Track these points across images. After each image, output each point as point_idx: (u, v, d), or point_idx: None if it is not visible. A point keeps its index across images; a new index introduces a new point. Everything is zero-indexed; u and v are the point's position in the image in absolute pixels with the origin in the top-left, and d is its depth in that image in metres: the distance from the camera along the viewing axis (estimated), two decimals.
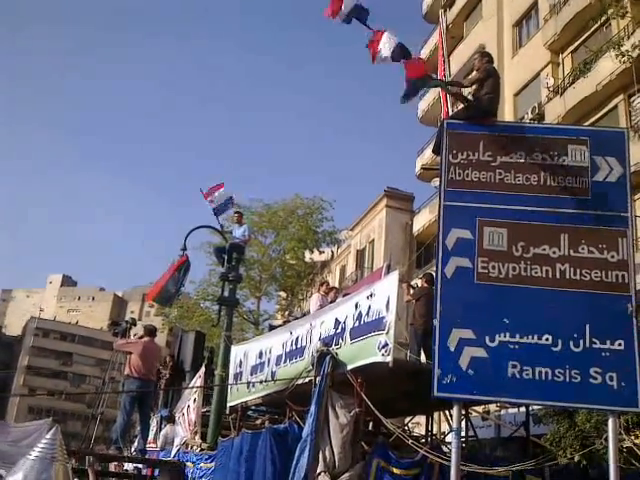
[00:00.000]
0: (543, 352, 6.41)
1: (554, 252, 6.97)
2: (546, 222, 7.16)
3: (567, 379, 6.25)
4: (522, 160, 7.50)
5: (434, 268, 16.02)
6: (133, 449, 9.34)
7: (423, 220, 27.39)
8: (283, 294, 33.65)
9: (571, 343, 6.44)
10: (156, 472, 9.25)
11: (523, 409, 12.56)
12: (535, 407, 10.33)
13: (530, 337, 6.51)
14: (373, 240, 29.34)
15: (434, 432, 11.50)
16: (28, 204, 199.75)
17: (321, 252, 32.99)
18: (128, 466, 11.57)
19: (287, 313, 31.08)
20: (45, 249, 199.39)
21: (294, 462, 7.12)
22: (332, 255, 34.63)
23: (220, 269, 27.67)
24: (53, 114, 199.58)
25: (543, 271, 6.87)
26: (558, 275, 6.84)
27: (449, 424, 10.98)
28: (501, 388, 6.41)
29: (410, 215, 29.05)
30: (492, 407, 15.08)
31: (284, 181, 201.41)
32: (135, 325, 11.80)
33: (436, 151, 8.18)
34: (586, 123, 18.89)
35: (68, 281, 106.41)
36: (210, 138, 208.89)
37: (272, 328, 13.70)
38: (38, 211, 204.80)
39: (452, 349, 6.44)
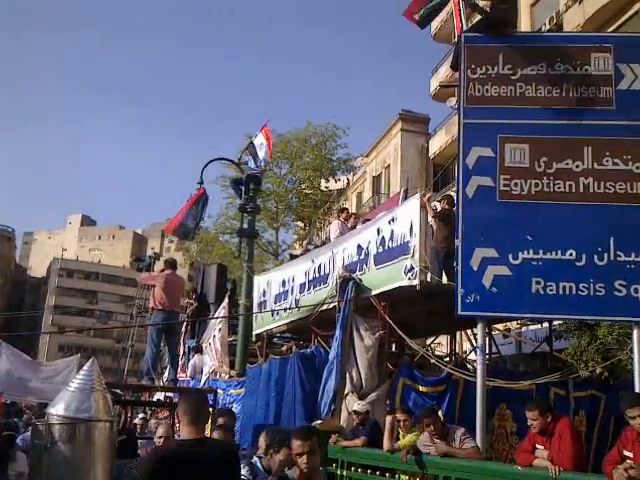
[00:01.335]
0: (567, 267, 6.39)
1: (577, 166, 6.83)
2: (569, 135, 6.99)
3: (591, 293, 6.25)
4: (543, 72, 7.25)
5: (452, 191, 15.90)
6: (165, 379, 9.64)
7: (439, 142, 26.86)
8: (300, 224, 33.75)
9: (595, 257, 6.40)
10: None
11: (544, 325, 12.73)
12: (556, 322, 10.41)
13: (554, 253, 6.47)
14: (389, 165, 28.98)
15: (456, 351, 11.70)
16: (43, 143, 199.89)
17: (337, 180, 32.80)
18: (159, 395, 11.99)
19: (306, 242, 31.25)
20: (62, 190, 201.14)
21: (322, 384, 7.31)
22: (348, 182, 34.38)
23: (237, 202, 27.83)
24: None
25: (566, 186, 6.76)
26: (582, 189, 6.73)
27: (470, 343, 11.15)
28: (525, 305, 6.44)
29: (426, 138, 28.48)
30: (513, 324, 15.24)
31: (295, 110, 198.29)
32: (159, 259, 11.93)
33: (454, 67, 7.92)
34: (607, 31, 18.09)
35: (87, 221, 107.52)
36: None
37: (293, 257, 13.79)
38: (49, 150, 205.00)
39: (475, 268, 6.43)
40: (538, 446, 4.80)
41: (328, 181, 31.45)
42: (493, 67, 7.32)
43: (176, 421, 2.98)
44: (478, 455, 5.20)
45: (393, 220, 7.99)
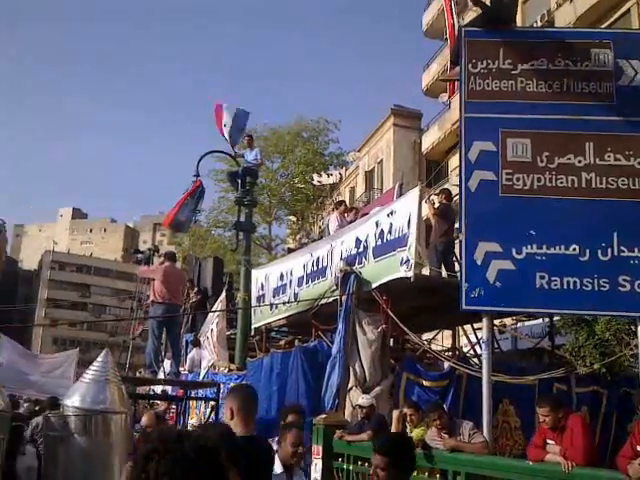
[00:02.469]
0: (571, 262, 6.40)
1: (579, 161, 6.84)
2: (570, 130, 7.00)
3: (596, 288, 6.27)
4: (544, 67, 7.25)
5: (445, 186, 15.84)
6: (167, 372, 9.59)
7: (432, 138, 26.84)
8: (293, 218, 33.65)
9: (599, 252, 6.41)
10: (192, 393, 9.57)
11: (539, 321, 12.78)
12: (554, 318, 10.45)
13: (557, 248, 6.48)
14: (381, 160, 28.94)
15: (449, 346, 11.72)
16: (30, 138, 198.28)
17: (329, 175, 32.71)
18: (158, 389, 11.96)
19: (299, 237, 31.20)
20: (52, 183, 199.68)
21: (325, 378, 7.30)
22: (340, 177, 34.31)
23: (230, 195, 27.73)
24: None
25: (569, 181, 6.76)
26: (584, 184, 6.73)
27: (467, 338, 11.18)
28: (529, 299, 6.45)
29: (418, 133, 28.44)
30: (508, 320, 15.30)
31: (287, 104, 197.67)
32: (158, 252, 11.83)
33: (455, 61, 7.91)
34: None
35: (78, 214, 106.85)
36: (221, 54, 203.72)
37: (291, 251, 13.76)
38: (42, 145, 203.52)
39: (479, 263, 6.43)
40: (549, 441, 4.80)
41: (320, 176, 31.37)
42: (494, 61, 7.32)
43: (227, 415, 2.90)
44: (487, 450, 5.21)
45: (392, 213, 7.98)
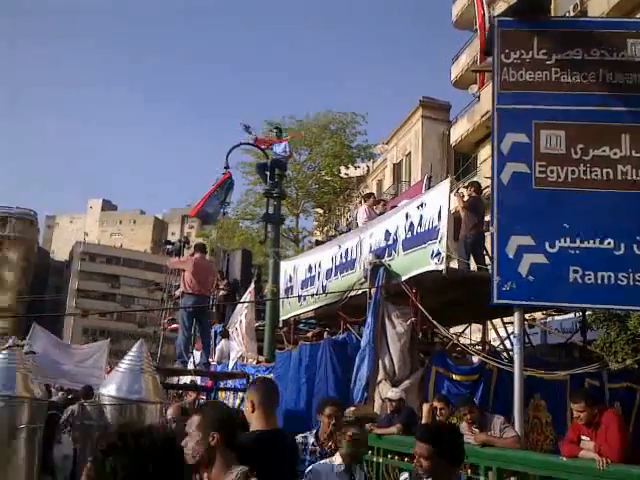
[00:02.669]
0: (605, 256, 6.28)
1: (615, 153, 6.70)
2: (606, 122, 6.85)
3: (631, 283, 6.13)
4: (579, 57, 7.10)
5: (474, 179, 15.58)
6: (197, 363, 9.69)
7: (461, 130, 26.52)
8: (320, 211, 33.66)
9: (634, 246, 6.27)
10: (221, 384, 9.65)
11: (570, 315, 12.59)
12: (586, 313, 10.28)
13: (591, 242, 6.36)
14: (410, 153, 28.72)
15: (478, 340, 11.60)
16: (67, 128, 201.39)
17: (356, 167, 32.63)
18: (186, 379, 12.08)
19: (326, 229, 31.19)
20: (82, 175, 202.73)
21: (354, 371, 7.29)
22: (368, 170, 34.18)
23: (257, 188, 27.82)
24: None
25: (603, 173, 6.62)
26: (619, 177, 6.59)
27: (496, 332, 11.06)
28: (562, 294, 6.34)
29: (447, 125, 28.13)
30: (538, 314, 15.12)
31: (315, 98, 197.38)
32: (188, 243, 11.94)
33: (488, 51, 7.80)
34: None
35: (108, 205, 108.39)
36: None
37: (319, 244, 13.76)
38: (76, 139, 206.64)
39: (511, 256, 6.34)
40: (583, 437, 4.74)
41: (348, 168, 31.31)
42: (527, 52, 7.19)
43: (248, 409, 2.91)
44: (519, 444, 5.15)
45: (422, 205, 7.92)
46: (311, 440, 4.49)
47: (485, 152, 22.96)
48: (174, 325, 14.24)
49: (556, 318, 15.14)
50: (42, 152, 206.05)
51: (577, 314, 10.84)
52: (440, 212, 7.43)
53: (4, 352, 4.37)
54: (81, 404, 3.82)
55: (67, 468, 6.38)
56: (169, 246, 11.86)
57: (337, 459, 3.87)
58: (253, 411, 3.20)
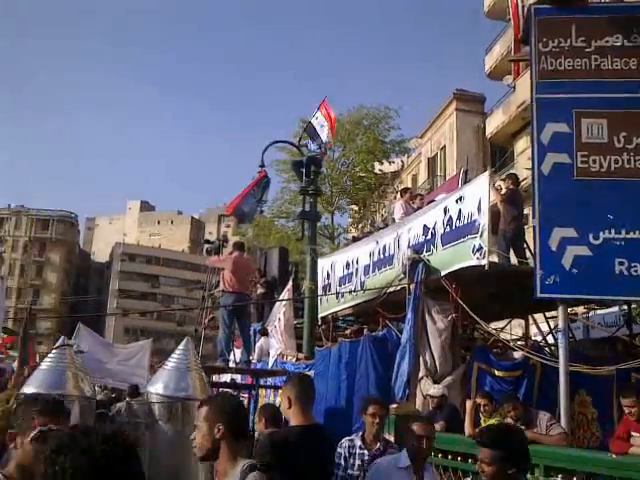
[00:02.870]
0: None
1: None
2: None
3: None
4: (619, 43, 6.95)
5: (511, 171, 15.28)
6: (237, 361, 9.77)
7: (496, 122, 26.11)
8: (355, 207, 33.57)
9: None
10: (261, 381, 9.71)
11: (612, 310, 12.27)
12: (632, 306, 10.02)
13: (637, 232, 6.20)
14: (444, 146, 28.41)
15: (519, 336, 11.42)
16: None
17: (391, 162, 32.42)
18: (226, 377, 12.18)
19: (361, 225, 31.09)
20: (121, 176, 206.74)
21: (395, 368, 7.24)
22: (402, 165, 33.93)
23: (292, 186, 27.89)
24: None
25: None
26: None
27: (538, 327, 10.87)
28: (608, 286, 6.20)
29: (482, 117, 27.72)
30: (580, 309, 14.82)
31: (348, 94, 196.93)
32: (227, 242, 12.02)
33: (525, 40, 7.66)
34: None
35: (146, 206, 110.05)
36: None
37: (355, 240, 13.71)
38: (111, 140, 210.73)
39: (554, 249, 6.23)
40: (634, 434, 4.63)
41: (382, 164, 31.14)
42: (566, 39, 7.06)
43: (285, 404, 2.92)
44: (566, 441, 5.06)
45: (461, 199, 7.80)
46: (358, 443, 4.44)
47: (522, 144, 22.56)
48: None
49: (598, 312, 14.81)
50: (83, 152, 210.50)
51: (621, 307, 10.56)
52: (480, 205, 7.30)
53: (55, 351, 4.49)
54: (128, 402, 3.89)
55: None
56: (208, 245, 11.96)
57: (403, 455, 3.83)
58: (290, 407, 3.21)
